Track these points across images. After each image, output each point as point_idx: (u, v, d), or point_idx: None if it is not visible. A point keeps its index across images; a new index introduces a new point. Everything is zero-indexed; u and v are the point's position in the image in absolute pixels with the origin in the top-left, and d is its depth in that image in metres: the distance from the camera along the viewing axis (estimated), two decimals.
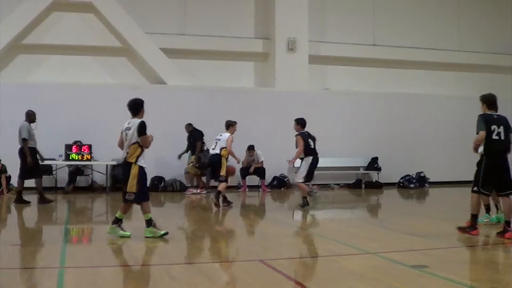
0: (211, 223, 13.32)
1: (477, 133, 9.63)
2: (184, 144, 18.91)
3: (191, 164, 18.63)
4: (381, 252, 8.53)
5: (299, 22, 21.27)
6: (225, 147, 14.59)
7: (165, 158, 18.74)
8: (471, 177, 10.00)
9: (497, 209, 11.06)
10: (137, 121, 9.51)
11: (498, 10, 24.20)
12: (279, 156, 18.75)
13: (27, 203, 14.69)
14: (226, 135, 14.74)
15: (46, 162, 15.86)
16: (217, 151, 14.67)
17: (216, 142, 14.82)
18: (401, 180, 21.39)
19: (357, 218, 13.94)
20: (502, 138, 9.63)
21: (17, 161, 14.68)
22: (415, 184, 21.18)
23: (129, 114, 9.80)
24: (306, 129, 14.66)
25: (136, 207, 9.90)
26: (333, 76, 22.39)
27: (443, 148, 21.85)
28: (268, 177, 20.00)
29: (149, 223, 9.58)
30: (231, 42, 21.12)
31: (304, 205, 14.31)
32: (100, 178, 18.97)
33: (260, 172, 19.40)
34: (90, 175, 19.16)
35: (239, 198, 17.35)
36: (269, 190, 19.42)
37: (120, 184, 17.48)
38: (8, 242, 9.28)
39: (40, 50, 19.52)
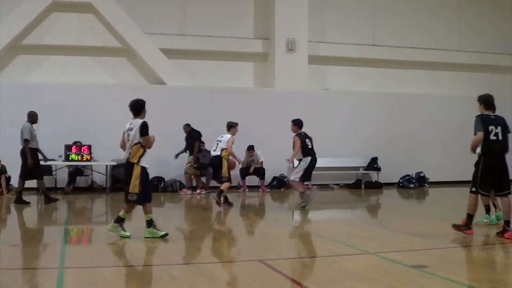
0: (211, 223, 13.33)
1: (475, 134, 9.65)
2: (184, 144, 18.94)
3: (189, 164, 18.67)
4: (381, 252, 8.54)
5: (299, 22, 21.26)
6: (226, 149, 14.62)
7: (165, 158, 18.73)
8: (470, 177, 10.00)
9: (495, 207, 11.07)
10: (139, 121, 9.52)
11: (498, 10, 24.19)
12: (279, 156, 18.71)
13: (27, 203, 14.69)
14: (227, 136, 14.75)
15: (47, 163, 15.85)
16: (218, 152, 14.69)
17: (217, 144, 14.83)
18: (400, 180, 21.38)
19: (357, 218, 13.95)
20: (500, 138, 9.65)
21: (18, 161, 14.68)
22: (414, 184, 21.18)
23: (129, 114, 9.80)
24: (306, 129, 14.68)
25: (138, 207, 9.89)
26: (333, 76, 22.39)
27: (443, 148, 21.85)
28: (268, 177, 20.01)
29: (150, 223, 9.59)
30: (230, 43, 21.12)
31: (304, 202, 14.33)
32: (100, 178, 18.96)
33: (259, 172, 19.41)
34: (90, 176, 19.14)
35: (239, 198, 17.36)
36: (268, 190, 19.43)
37: (121, 185, 17.63)
38: (8, 242, 9.28)
39: (39, 51, 19.52)
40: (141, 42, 20.00)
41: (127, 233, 9.54)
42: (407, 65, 22.89)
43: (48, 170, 18.05)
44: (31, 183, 15.62)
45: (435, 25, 23.34)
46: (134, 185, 9.42)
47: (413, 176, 21.44)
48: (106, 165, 18.34)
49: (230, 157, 14.86)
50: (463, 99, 21.22)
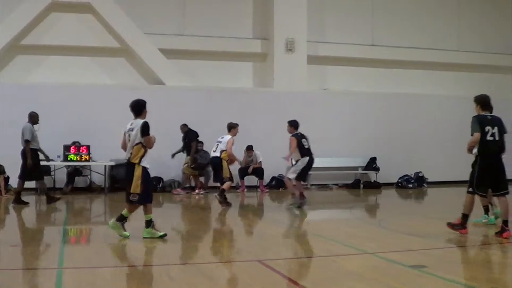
0: (209, 223, 13.34)
1: (472, 135, 9.67)
2: (181, 144, 18.97)
3: (186, 165, 18.69)
4: (380, 252, 8.54)
5: (298, 22, 21.26)
6: (226, 150, 14.66)
7: (163, 158, 18.71)
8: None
9: (491, 205, 11.09)
10: (140, 121, 9.51)
11: (498, 10, 24.19)
12: (278, 156, 18.66)
13: (26, 204, 14.68)
14: (227, 137, 14.80)
15: (44, 163, 15.85)
16: (218, 153, 14.73)
17: (217, 144, 14.87)
18: (399, 180, 21.39)
19: (356, 218, 13.95)
20: (497, 138, 9.69)
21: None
22: (413, 184, 21.18)
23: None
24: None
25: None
26: (332, 76, 22.39)
27: (442, 148, 21.84)
28: (267, 178, 20.01)
29: (149, 224, 9.59)
30: (229, 43, 21.12)
31: (299, 203, 14.37)
32: (98, 178, 18.95)
33: (258, 172, 19.40)
34: (89, 176, 19.14)
35: (237, 198, 17.35)
36: (267, 190, 19.42)
37: (119, 185, 17.65)
38: (7, 242, 9.27)
39: (38, 51, 19.51)
40: (140, 42, 20.00)
41: (127, 233, 9.54)
42: (406, 65, 22.89)
43: (47, 171, 18.02)
44: (31, 184, 15.65)
45: (434, 25, 23.34)
46: (136, 186, 9.41)
47: (412, 176, 21.45)
48: (105, 165, 18.32)
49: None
50: (462, 99, 21.08)
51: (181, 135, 18.93)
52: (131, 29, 19.82)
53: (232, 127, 14.96)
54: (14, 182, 16.02)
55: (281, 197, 18.46)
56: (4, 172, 17.19)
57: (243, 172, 19.15)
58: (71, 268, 7.45)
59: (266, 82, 21.46)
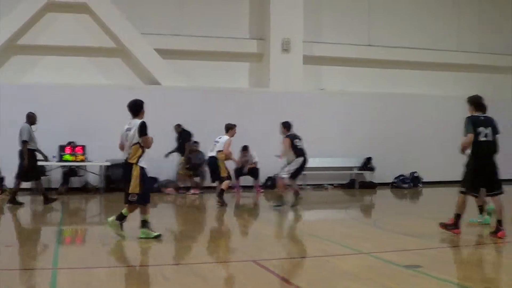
0: (204, 223, 13.35)
1: (465, 135, 9.71)
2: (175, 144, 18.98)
3: (181, 165, 18.69)
4: (375, 252, 8.56)
5: (294, 22, 21.24)
6: (222, 150, 14.71)
7: (159, 158, 18.64)
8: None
9: (483, 207, 11.12)
10: (137, 121, 9.52)
11: (496, 10, 24.20)
12: (274, 156, 18.77)
13: (21, 204, 14.66)
14: (225, 138, 14.87)
15: (40, 163, 15.84)
16: (214, 153, 14.80)
17: (215, 144, 14.91)
18: (394, 180, 21.41)
19: (351, 218, 13.96)
20: (490, 139, 9.73)
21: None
22: (409, 184, 21.21)
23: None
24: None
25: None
26: (328, 77, 22.39)
27: (438, 148, 21.81)
28: (262, 178, 19.99)
29: (145, 224, 9.58)
30: (225, 43, 21.10)
31: (280, 205, 14.39)
32: (94, 179, 18.92)
33: (254, 172, 19.40)
34: (84, 176, 19.08)
35: (233, 198, 17.33)
36: (262, 190, 19.41)
37: (114, 185, 17.64)
38: (1, 243, 9.25)
39: (34, 51, 19.47)
40: (136, 43, 19.98)
41: (123, 233, 9.53)
42: (402, 65, 22.86)
43: (42, 171, 17.97)
44: (26, 184, 15.63)
45: (431, 25, 23.29)
46: (135, 186, 9.41)
47: (407, 176, 21.47)
48: (100, 166, 18.31)
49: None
50: (459, 99, 21.07)
51: (176, 135, 18.96)
52: (127, 29, 19.81)
53: (230, 128, 15.03)
54: (9, 183, 16.01)
55: (276, 198, 18.45)
56: None
57: (238, 172, 19.15)
58: (66, 269, 7.45)
59: (262, 82, 21.45)
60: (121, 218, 9.58)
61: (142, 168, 9.47)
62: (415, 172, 21.54)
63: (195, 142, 18.99)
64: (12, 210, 14.13)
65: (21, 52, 19.45)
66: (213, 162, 14.91)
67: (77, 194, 18.16)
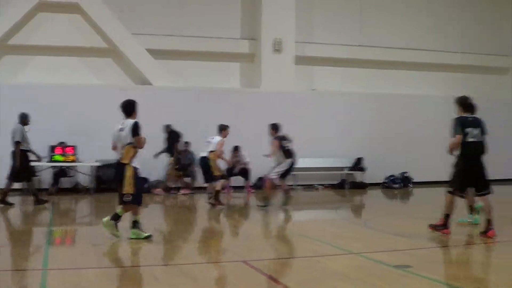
0: (195, 224, 13.34)
1: (453, 136, 9.75)
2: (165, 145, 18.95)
3: (170, 166, 18.65)
4: (365, 252, 8.58)
5: (286, 23, 21.25)
6: (214, 151, 14.72)
7: (149, 159, 18.64)
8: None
9: (472, 209, 11.15)
10: (130, 122, 9.51)
11: (492, 11, 24.30)
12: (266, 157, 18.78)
13: (11, 204, 14.60)
14: (218, 138, 14.88)
15: (30, 164, 15.79)
16: (206, 154, 14.82)
17: (207, 145, 14.92)
18: (385, 181, 21.45)
19: (341, 219, 13.99)
20: (478, 140, 9.78)
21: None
22: (399, 184, 21.25)
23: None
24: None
25: None
26: (320, 77, 22.39)
27: (429, 149, 21.80)
28: (253, 178, 19.97)
29: (135, 224, 9.56)
30: (217, 43, 21.08)
31: (265, 206, 14.42)
32: (84, 179, 18.86)
33: (245, 173, 19.39)
34: (75, 176, 19.01)
35: (223, 199, 17.32)
36: (253, 191, 19.40)
37: (105, 185, 17.61)
38: None
39: (26, 51, 19.40)
40: (127, 43, 19.94)
41: (118, 233, 9.50)
42: (394, 65, 22.89)
43: (33, 171, 17.90)
44: (17, 185, 15.59)
45: (423, 25, 23.34)
46: (129, 186, 9.38)
47: (398, 176, 21.51)
48: (91, 166, 18.26)
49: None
50: (449, 100, 21.11)
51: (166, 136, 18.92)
52: (119, 29, 19.77)
53: (223, 129, 15.04)
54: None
55: (262, 198, 18.46)
56: None
57: (229, 173, 19.12)
58: (56, 269, 7.42)
59: (253, 82, 21.46)
60: (116, 218, 9.56)
61: (135, 168, 9.46)
62: (406, 172, 21.58)
63: (186, 142, 18.98)
64: (3, 211, 14.07)
65: (12, 52, 19.38)
66: (205, 163, 14.92)
67: (67, 194, 18.09)
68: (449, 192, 9.98)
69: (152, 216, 13.28)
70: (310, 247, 9.36)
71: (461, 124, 9.75)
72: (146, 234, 9.54)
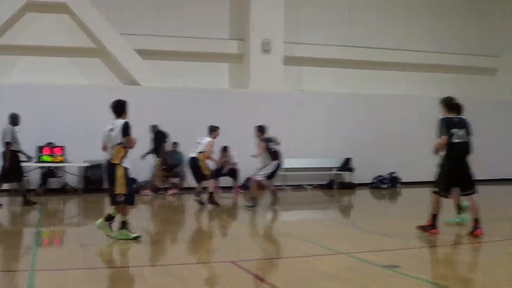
0: (183, 224, 13.32)
1: (439, 137, 9.80)
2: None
3: (157, 167, 18.59)
4: (354, 252, 8.60)
5: (274, 23, 21.25)
6: (203, 152, 14.73)
7: (138, 159, 18.61)
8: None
9: (460, 209, 11.20)
10: (121, 122, 9.48)
11: (480, 12, 24.42)
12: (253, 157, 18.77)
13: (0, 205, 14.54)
14: (208, 139, 14.89)
15: (30, 163, 15.81)
16: (195, 154, 14.83)
17: (197, 145, 14.93)
18: (373, 181, 21.49)
19: (330, 219, 14.02)
20: (463, 140, 9.84)
21: None
22: (387, 185, 21.31)
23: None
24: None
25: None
26: (308, 77, 22.42)
27: (417, 149, 21.83)
28: (242, 178, 19.95)
29: (124, 225, 9.54)
30: (205, 43, 21.04)
31: (253, 206, 14.43)
32: (72, 180, 18.78)
33: (233, 173, 19.38)
34: (63, 177, 18.94)
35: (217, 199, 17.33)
36: (242, 191, 19.39)
37: (94, 186, 17.56)
38: None
39: (13, 51, 19.29)
40: (115, 43, 19.88)
41: (113, 234, 9.46)
42: (382, 66, 22.93)
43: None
44: (6, 185, 15.53)
45: (410, 26, 23.38)
46: (121, 186, 9.36)
47: (386, 176, 21.55)
48: (79, 167, 18.19)
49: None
50: (437, 100, 21.33)
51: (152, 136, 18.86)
52: (107, 29, 19.71)
53: (213, 130, 15.07)
54: None
55: (249, 198, 18.47)
56: None
57: (218, 173, 19.10)
58: (44, 270, 7.40)
59: (242, 83, 21.45)
60: (110, 219, 9.53)
61: (125, 169, 9.44)
62: (394, 172, 21.64)
63: (175, 142, 18.95)
64: None
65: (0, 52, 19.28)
66: (194, 163, 14.93)
67: (55, 195, 18.02)
68: (434, 192, 10.04)
69: (140, 216, 13.25)
70: (299, 247, 9.37)
71: (447, 125, 9.80)
72: (135, 235, 9.52)
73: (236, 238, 10.70)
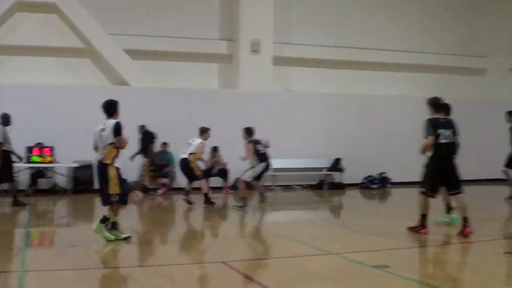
0: (173, 225, 13.31)
1: (425, 137, 9.85)
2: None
3: (144, 167, 18.55)
4: (344, 252, 8.63)
5: (264, 24, 21.24)
6: (194, 153, 14.75)
7: (127, 160, 18.57)
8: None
9: (449, 209, 11.24)
10: (112, 122, 9.46)
11: (469, 13, 24.50)
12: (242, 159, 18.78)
13: None
14: (199, 141, 14.91)
15: (21, 163, 15.74)
16: (185, 155, 14.84)
17: (187, 146, 14.93)
18: (363, 181, 21.53)
19: (320, 219, 14.03)
20: (450, 141, 9.89)
21: None
22: (377, 185, 21.34)
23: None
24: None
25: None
26: (298, 78, 22.42)
27: (406, 149, 21.69)
28: (232, 179, 19.95)
29: (114, 225, 9.52)
30: (195, 44, 21.01)
31: (243, 206, 14.45)
32: (62, 180, 18.71)
33: (223, 173, 19.38)
34: (52, 177, 18.86)
35: (201, 199, 17.29)
36: (232, 191, 19.38)
37: (83, 186, 17.51)
38: None
39: (2, 51, 19.19)
40: (104, 43, 19.81)
41: (111, 236, 9.39)
42: (372, 66, 22.94)
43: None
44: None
45: (398, 26, 23.44)
46: (115, 186, 9.33)
47: (376, 176, 21.59)
48: (69, 167, 18.12)
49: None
50: (425, 100, 21.40)
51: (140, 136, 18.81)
52: (96, 29, 19.64)
53: (204, 131, 15.09)
54: None
55: (239, 199, 18.47)
56: None
57: (207, 173, 19.08)
58: (34, 271, 7.38)
59: (231, 83, 21.44)
60: (105, 220, 9.49)
61: (117, 169, 9.42)
62: (384, 172, 21.68)
63: (164, 143, 18.93)
64: None
65: None
66: (185, 164, 14.94)
67: (45, 195, 17.94)
68: (422, 192, 10.09)
69: (130, 217, 13.22)
70: (289, 247, 9.39)
71: (433, 125, 9.85)
72: (125, 235, 9.50)
73: (226, 239, 10.71)
